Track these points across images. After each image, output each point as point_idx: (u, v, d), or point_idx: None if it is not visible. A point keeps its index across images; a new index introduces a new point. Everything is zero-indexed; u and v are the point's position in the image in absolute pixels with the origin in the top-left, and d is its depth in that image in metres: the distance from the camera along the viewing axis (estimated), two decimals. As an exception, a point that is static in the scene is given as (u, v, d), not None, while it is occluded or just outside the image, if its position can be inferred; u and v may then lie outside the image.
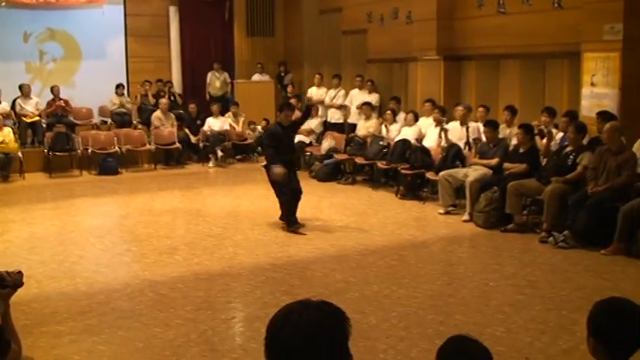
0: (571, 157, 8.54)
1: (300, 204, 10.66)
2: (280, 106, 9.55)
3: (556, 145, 9.29)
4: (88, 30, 16.11)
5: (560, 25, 10.29)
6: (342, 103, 14.48)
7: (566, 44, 10.09)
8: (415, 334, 5.47)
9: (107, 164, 13.66)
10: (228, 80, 17.01)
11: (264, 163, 9.13)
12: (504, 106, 10.78)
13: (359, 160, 12.30)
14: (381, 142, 11.93)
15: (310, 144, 13.97)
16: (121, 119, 15.19)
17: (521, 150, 9.17)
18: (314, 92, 15.16)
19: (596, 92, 9.36)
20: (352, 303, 6.13)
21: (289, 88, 15.90)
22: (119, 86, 15.50)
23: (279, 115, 9.16)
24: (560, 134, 9.42)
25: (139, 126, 15.11)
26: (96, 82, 15.62)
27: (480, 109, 10.98)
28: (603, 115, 8.65)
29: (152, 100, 15.57)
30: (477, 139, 10.29)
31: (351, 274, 7.06)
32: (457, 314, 5.92)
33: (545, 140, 9.33)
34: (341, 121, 14.50)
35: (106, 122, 15.55)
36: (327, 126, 14.49)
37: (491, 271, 7.24)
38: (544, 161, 9.10)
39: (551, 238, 8.05)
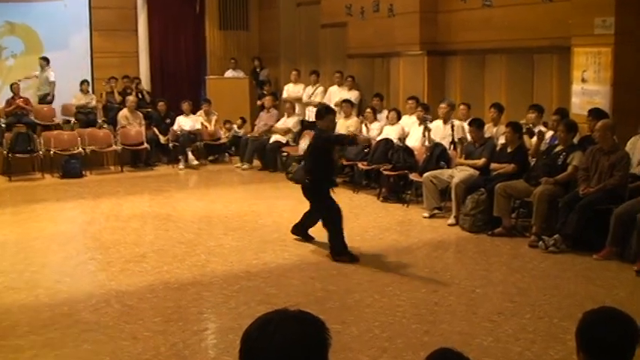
0: (561, 156, 8.58)
1: (277, 208, 10.70)
2: (318, 112, 8.38)
3: (545, 144, 9.34)
4: (50, 24, 16.01)
5: (549, 19, 10.35)
6: (320, 100, 14.46)
7: (555, 38, 10.15)
8: (399, 344, 5.46)
9: (70, 166, 13.54)
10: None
11: (307, 179, 8.11)
12: (490, 103, 10.85)
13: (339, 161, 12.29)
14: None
15: (287, 144, 13.96)
16: (85, 118, 15.09)
17: (508, 149, 9.21)
18: (290, 89, 15.16)
19: (587, 89, 9.43)
20: (332, 313, 6.12)
21: (266, 86, 15.89)
22: (83, 82, 15.39)
23: (320, 122, 8.13)
24: (550, 133, 9.47)
25: (105, 125, 15.02)
26: (58, 79, 15.48)
27: (462, 106, 11.06)
28: (595, 113, 8.72)
29: (118, 98, 15.50)
30: (463, 139, 10.33)
31: (331, 282, 7.05)
32: (443, 323, 5.92)
33: (534, 139, 9.38)
34: (319, 119, 14.47)
35: (69, 122, 15.43)
36: (305, 125, 14.48)
37: (478, 277, 7.26)
38: (533, 161, 9.15)
39: (540, 243, 8.09)
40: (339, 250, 7.75)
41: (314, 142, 8.10)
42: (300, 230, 8.58)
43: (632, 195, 7.87)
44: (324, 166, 8.00)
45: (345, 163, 12.15)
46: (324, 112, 8.20)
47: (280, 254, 8.08)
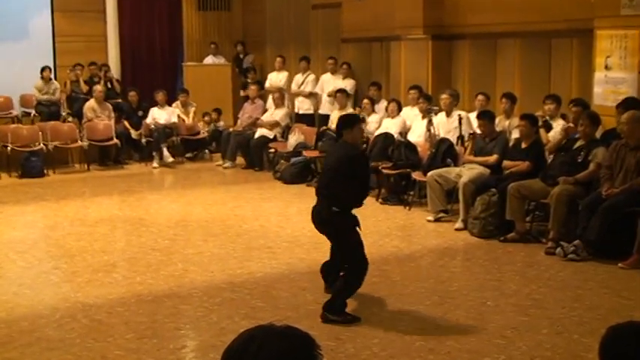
0: (582, 153, 8.62)
1: (264, 211, 10.71)
2: (345, 120, 6.95)
3: (555, 138, 9.37)
4: (6, 5, 15.93)
5: (568, -2, 10.41)
6: (311, 90, 14.50)
7: (575, 20, 10.19)
8: (401, 364, 5.48)
9: (31, 165, 13.51)
10: None
11: (335, 207, 6.58)
12: (502, 93, 10.87)
13: (332, 158, 12.29)
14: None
15: (274, 139, 13.96)
16: (47, 110, 15.06)
17: (523, 145, 9.24)
18: (273, 78, 15.15)
19: (612, 77, 9.47)
20: (326, 328, 6.14)
21: (250, 74, 15.88)
22: (45, 69, 15.33)
23: (347, 133, 6.74)
24: (560, 125, 9.50)
25: (69, 118, 14.99)
26: (16, 67, 15.44)
27: (480, 97, 10.99)
28: (627, 104, 8.69)
29: (85, 88, 15.46)
30: (473, 134, 10.33)
31: (324, 294, 7.03)
32: (449, 340, 5.94)
33: (551, 133, 9.42)
34: (311, 111, 14.53)
35: (29, 114, 15.40)
36: (295, 118, 14.50)
37: (489, 288, 7.29)
38: (550, 158, 9.17)
39: (559, 249, 8.12)
40: (340, 308, 6.47)
41: (340, 164, 6.68)
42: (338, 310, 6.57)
43: (660, 196, 7.91)
44: (353, 190, 6.63)
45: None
46: (352, 120, 6.96)
47: (267, 263, 8.09)
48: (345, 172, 6.58)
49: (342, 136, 6.80)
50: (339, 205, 6.52)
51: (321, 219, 6.64)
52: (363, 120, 7.74)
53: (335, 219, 6.54)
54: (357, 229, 6.58)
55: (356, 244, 6.52)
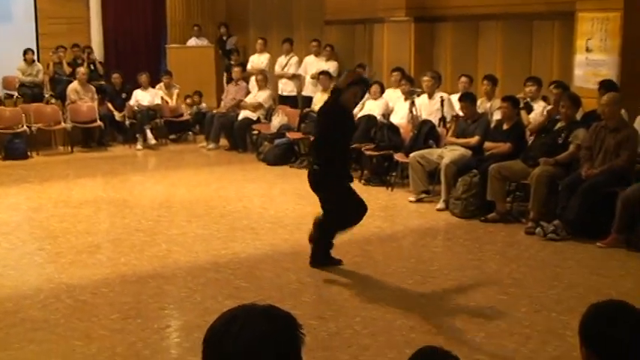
0: (562, 134, 8.67)
1: (247, 192, 10.73)
2: (351, 79, 7.11)
3: (536, 119, 9.43)
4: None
5: (549, -20, 10.43)
6: (294, 72, 14.49)
7: (557, 3, 10.24)
8: (382, 342, 5.52)
9: (14, 147, 13.45)
10: None
11: (315, 166, 7.03)
12: (484, 75, 10.90)
13: (315, 140, 12.31)
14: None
15: (258, 121, 13.95)
16: (30, 92, 14.99)
17: (504, 127, 9.29)
18: (255, 60, 15.12)
19: (592, 59, 9.52)
20: (309, 307, 6.19)
21: (233, 56, 15.84)
22: (28, 51, 15.25)
23: (345, 92, 6.89)
24: (541, 107, 9.57)
25: (52, 100, 14.92)
26: (-1, 49, 15.35)
27: (463, 79, 11.03)
28: (606, 86, 8.76)
29: (67, 70, 15.40)
30: (456, 116, 10.36)
31: (308, 273, 7.09)
32: (431, 318, 5.99)
33: (532, 115, 9.48)
34: (294, 93, 14.52)
35: (11, 96, 15.32)
36: (278, 99, 14.49)
37: (469, 267, 7.35)
38: (530, 140, 9.23)
39: (539, 229, 8.18)
40: (323, 260, 7.13)
41: (319, 116, 7.03)
42: (322, 258, 7.21)
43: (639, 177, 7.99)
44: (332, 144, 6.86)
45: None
46: (355, 81, 7.10)
47: (251, 243, 8.11)
48: (323, 124, 7.04)
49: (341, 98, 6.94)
50: (321, 161, 6.88)
51: (308, 176, 7.05)
52: (366, 84, 7.76)
53: (316, 176, 6.92)
54: (349, 184, 6.95)
55: (338, 202, 6.90)
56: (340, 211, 6.96)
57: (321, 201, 7.04)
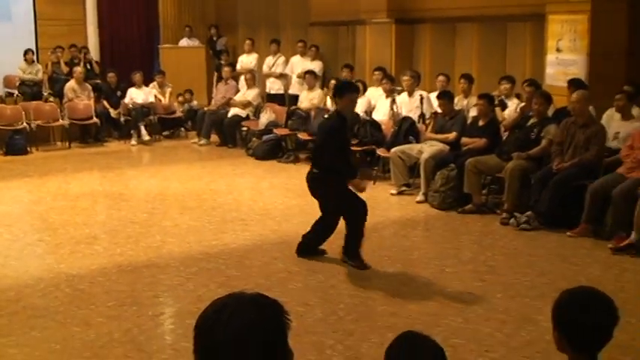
0: (535, 130, 8.71)
1: (237, 185, 10.71)
2: (339, 88, 7.18)
3: (510, 116, 9.46)
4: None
5: (523, -15, 10.45)
6: (281, 71, 14.47)
7: (529, 5, 10.26)
8: (365, 327, 5.54)
9: (14, 142, 13.36)
10: None
11: (315, 169, 7.00)
12: (461, 74, 10.93)
13: (302, 136, 12.32)
14: (325, 116, 11.95)
15: (247, 118, 13.91)
16: (29, 91, 14.90)
17: (480, 123, 9.31)
18: (244, 60, 15.08)
19: (563, 59, 9.56)
20: (296, 294, 6.19)
21: (223, 56, 15.80)
22: (28, 52, 15.16)
23: (340, 101, 6.95)
24: (515, 104, 9.60)
25: (51, 98, 14.82)
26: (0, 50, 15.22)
27: (440, 77, 11.04)
28: (576, 84, 8.81)
29: (65, 69, 15.30)
30: (435, 113, 10.37)
31: (294, 262, 7.10)
32: (411, 304, 6.01)
33: (506, 112, 9.52)
34: (281, 91, 14.50)
35: (12, 94, 15.21)
36: (266, 97, 14.46)
37: (448, 256, 7.37)
38: (505, 135, 9.26)
39: (512, 220, 8.22)
40: (306, 249, 7.21)
41: (317, 132, 6.98)
42: (308, 248, 7.24)
43: (607, 170, 8.02)
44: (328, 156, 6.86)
45: (308, 137, 12.18)
46: (342, 89, 7.07)
47: (241, 234, 8.11)
48: (322, 138, 7.05)
49: (337, 106, 7.07)
50: (321, 167, 6.88)
51: (307, 180, 7.02)
52: (357, 90, 7.65)
53: (314, 181, 6.93)
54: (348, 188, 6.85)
55: (338, 200, 6.89)
56: (341, 209, 6.93)
57: (321, 206, 7.01)
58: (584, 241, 7.67)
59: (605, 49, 9.27)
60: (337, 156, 6.78)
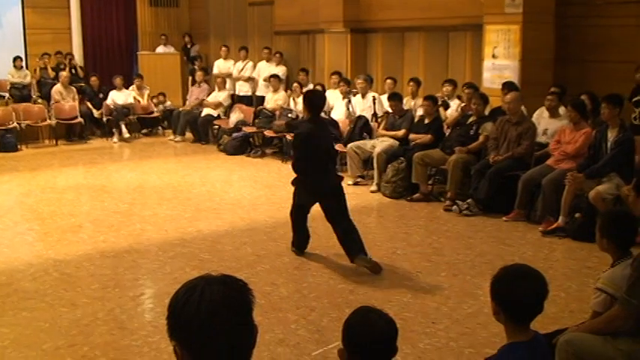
0: (474, 127, 8.78)
1: (210, 178, 10.64)
2: (309, 103, 6.46)
3: (452, 115, 9.52)
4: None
5: (462, -2, 10.50)
6: (249, 75, 14.40)
7: (469, 17, 10.32)
8: (325, 303, 5.54)
9: (6, 141, 13.14)
10: None
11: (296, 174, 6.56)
12: (409, 77, 10.97)
13: (268, 133, 12.28)
14: (289, 115, 11.95)
15: (218, 117, 13.84)
16: (19, 94, 14.63)
17: (426, 121, 9.36)
18: (221, 65, 15.01)
19: (498, 64, 9.63)
20: (263, 275, 6.17)
21: (197, 61, 15.67)
22: (17, 59, 14.90)
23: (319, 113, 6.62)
24: (456, 104, 9.67)
25: (39, 100, 14.59)
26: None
27: (388, 81, 11.11)
28: (509, 86, 8.91)
29: (52, 74, 15.07)
30: (387, 112, 10.40)
31: (262, 246, 7.08)
32: (366, 283, 6.02)
33: (449, 111, 9.57)
34: (249, 93, 14.43)
35: (3, 97, 14.91)
36: (235, 99, 14.38)
37: (398, 239, 7.41)
38: (448, 132, 9.32)
39: (455, 207, 8.28)
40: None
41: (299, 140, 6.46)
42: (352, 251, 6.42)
43: (537, 162, 8.11)
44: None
45: (273, 134, 12.15)
46: (317, 102, 6.54)
47: (213, 222, 8.06)
48: (297, 148, 6.51)
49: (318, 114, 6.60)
50: (299, 172, 6.44)
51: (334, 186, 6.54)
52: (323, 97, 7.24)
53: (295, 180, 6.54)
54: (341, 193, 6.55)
55: (296, 197, 6.61)
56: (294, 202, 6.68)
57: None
58: (517, 225, 7.76)
59: (535, 56, 9.38)
60: (311, 164, 6.36)
